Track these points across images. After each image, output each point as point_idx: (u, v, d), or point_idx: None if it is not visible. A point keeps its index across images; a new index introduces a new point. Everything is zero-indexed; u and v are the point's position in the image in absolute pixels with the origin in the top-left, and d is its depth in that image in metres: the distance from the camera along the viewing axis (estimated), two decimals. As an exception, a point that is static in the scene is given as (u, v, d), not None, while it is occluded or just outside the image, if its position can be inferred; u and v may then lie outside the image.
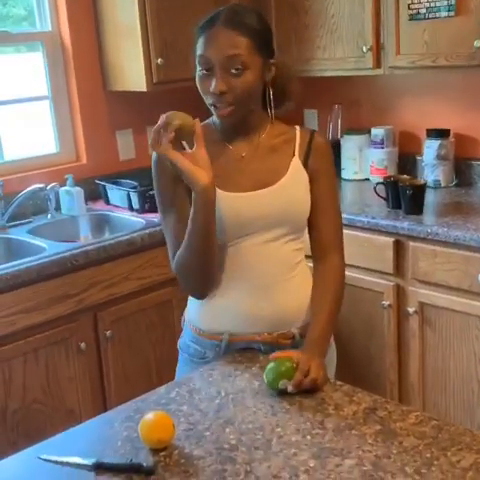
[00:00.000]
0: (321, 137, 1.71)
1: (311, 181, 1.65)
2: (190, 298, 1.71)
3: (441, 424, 1.30)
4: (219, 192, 1.54)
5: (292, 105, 1.68)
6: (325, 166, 1.68)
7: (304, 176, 1.64)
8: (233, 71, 1.50)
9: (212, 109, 1.57)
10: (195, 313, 1.70)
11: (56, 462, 1.24)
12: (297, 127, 1.70)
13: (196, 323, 1.69)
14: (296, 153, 1.65)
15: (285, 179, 1.62)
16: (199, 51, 1.54)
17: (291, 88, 1.66)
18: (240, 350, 1.63)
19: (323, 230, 1.67)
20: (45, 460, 1.24)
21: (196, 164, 1.46)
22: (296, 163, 1.64)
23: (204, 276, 1.60)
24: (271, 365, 1.45)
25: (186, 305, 1.75)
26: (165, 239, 1.66)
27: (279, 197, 1.61)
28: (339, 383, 1.47)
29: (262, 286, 1.62)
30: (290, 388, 1.41)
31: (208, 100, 1.55)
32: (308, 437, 1.27)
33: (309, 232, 1.69)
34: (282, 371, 1.43)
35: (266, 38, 1.58)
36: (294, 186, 1.63)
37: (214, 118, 1.64)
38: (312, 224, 1.67)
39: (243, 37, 1.51)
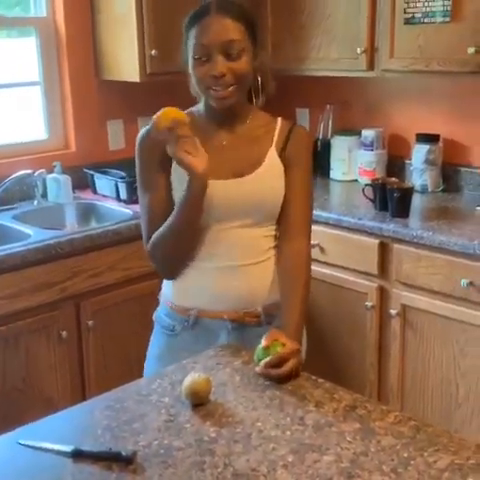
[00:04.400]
0: (301, 128, 1.80)
1: (286, 168, 1.70)
2: None
3: (419, 425, 1.31)
4: None
5: (262, 102, 1.74)
6: (300, 154, 1.73)
7: (279, 166, 1.70)
8: (231, 55, 1.58)
9: (209, 93, 1.62)
10: (169, 288, 1.78)
11: (35, 448, 1.23)
12: (279, 118, 1.76)
13: (169, 297, 1.77)
14: (274, 143, 1.71)
15: (261, 169, 1.68)
16: (195, 40, 1.60)
17: (268, 85, 1.73)
18: (223, 345, 1.64)
19: (291, 214, 1.72)
20: (24, 445, 1.24)
21: (193, 152, 1.54)
22: (272, 153, 1.70)
23: (181, 259, 1.70)
24: (264, 345, 1.48)
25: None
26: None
27: (253, 187, 1.67)
28: (320, 380, 1.47)
29: (231, 268, 1.69)
30: (258, 368, 1.46)
31: (205, 84, 1.61)
32: (288, 432, 1.28)
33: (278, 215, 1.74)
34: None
35: (256, 27, 1.66)
36: (269, 176, 1.69)
37: (199, 106, 1.72)
38: (281, 208, 1.72)
39: (238, 23, 1.60)
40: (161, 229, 1.66)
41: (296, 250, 1.71)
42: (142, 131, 1.73)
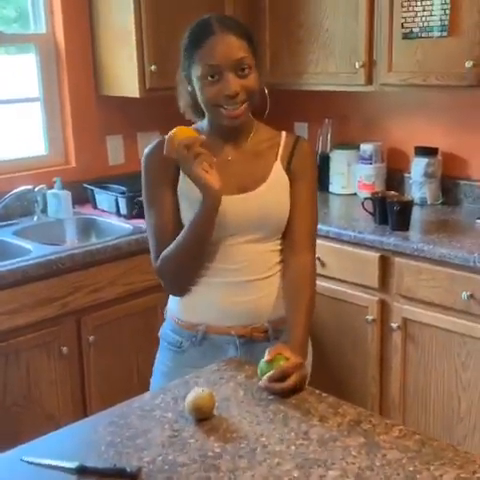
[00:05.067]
0: (305, 141, 1.79)
1: (291, 182, 1.71)
2: None
3: (424, 439, 1.30)
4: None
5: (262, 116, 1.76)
6: (305, 168, 1.74)
7: (285, 180, 1.70)
8: (240, 73, 1.59)
9: (219, 111, 1.61)
10: (176, 304, 1.77)
11: (39, 464, 1.23)
12: (283, 132, 1.76)
13: (176, 313, 1.77)
14: (278, 157, 1.72)
15: (266, 184, 1.68)
16: (204, 61, 1.59)
17: (267, 99, 1.73)
18: (226, 360, 1.63)
19: (296, 229, 1.72)
20: (28, 462, 1.23)
21: (209, 170, 1.56)
22: (277, 168, 1.70)
23: (190, 277, 1.71)
24: (266, 359, 1.48)
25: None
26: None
27: (259, 202, 1.67)
28: (324, 395, 1.47)
29: (239, 283, 1.69)
30: (261, 383, 1.46)
31: (216, 103, 1.60)
32: (292, 447, 1.28)
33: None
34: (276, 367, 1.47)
35: (256, 43, 1.67)
36: (274, 191, 1.69)
37: (203, 123, 1.71)
38: (287, 222, 1.72)
39: (242, 40, 1.61)
40: (171, 247, 1.66)
41: (301, 264, 1.71)
42: (148, 149, 1.73)
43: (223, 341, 1.70)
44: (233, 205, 1.65)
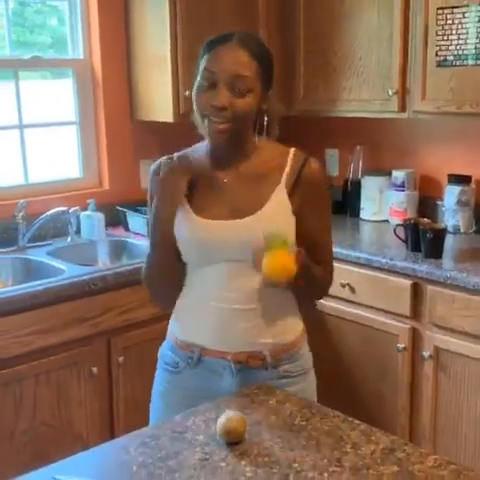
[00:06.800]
0: (314, 163, 1.65)
1: (298, 213, 1.61)
2: (174, 310, 1.75)
3: (460, 468, 1.28)
4: (194, 217, 1.60)
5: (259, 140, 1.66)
6: (315, 195, 1.64)
7: (286, 207, 1.60)
8: (237, 90, 1.52)
9: (206, 122, 1.56)
10: (175, 324, 1.74)
11: (71, 483, 1.23)
12: (291, 151, 1.65)
13: (175, 333, 1.73)
14: (283, 181, 1.61)
15: (265, 209, 1.58)
16: (206, 64, 1.54)
17: (272, 127, 1.66)
18: (256, 385, 1.62)
19: (316, 258, 1.64)
20: (60, 481, 1.24)
21: None
22: (280, 193, 1.60)
23: (169, 286, 1.70)
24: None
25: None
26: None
27: (252, 230, 1.57)
28: (357, 422, 1.45)
29: (233, 310, 1.62)
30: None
31: (204, 111, 1.55)
32: (325, 474, 1.26)
33: None
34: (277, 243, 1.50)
35: (271, 70, 1.60)
36: (273, 217, 1.59)
37: (206, 142, 1.66)
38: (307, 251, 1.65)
39: (254, 60, 1.54)
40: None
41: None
42: (156, 166, 1.70)
43: (219, 365, 1.65)
44: (224, 230, 1.59)
